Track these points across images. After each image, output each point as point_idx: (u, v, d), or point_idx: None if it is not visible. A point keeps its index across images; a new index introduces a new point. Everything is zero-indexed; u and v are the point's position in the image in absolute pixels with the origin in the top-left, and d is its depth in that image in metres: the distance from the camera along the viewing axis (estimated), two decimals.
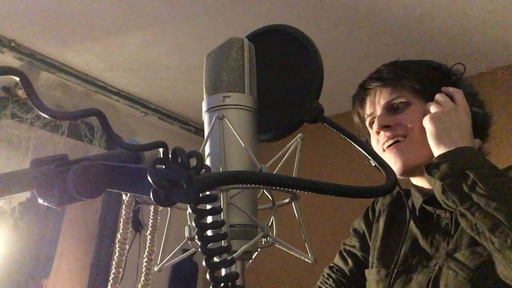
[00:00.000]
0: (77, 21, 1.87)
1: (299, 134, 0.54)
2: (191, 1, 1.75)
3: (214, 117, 0.49)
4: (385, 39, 1.96)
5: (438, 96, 0.83)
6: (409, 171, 0.86)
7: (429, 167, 0.76)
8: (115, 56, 2.15)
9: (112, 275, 0.55)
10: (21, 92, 2.10)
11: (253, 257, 0.50)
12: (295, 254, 0.51)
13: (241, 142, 0.48)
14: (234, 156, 0.49)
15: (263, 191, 0.53)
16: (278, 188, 0.38)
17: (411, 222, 0.90)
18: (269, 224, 0.50)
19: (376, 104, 0.90)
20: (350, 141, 0.53)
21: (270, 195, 0.52)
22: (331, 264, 1.08)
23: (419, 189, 0.91)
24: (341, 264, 1.05)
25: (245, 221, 0.47)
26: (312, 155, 2.63)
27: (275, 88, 0.57)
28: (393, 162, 0.86)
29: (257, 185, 0.46)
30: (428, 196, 0.88)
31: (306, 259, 0.51)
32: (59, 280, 2.45)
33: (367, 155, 0.51)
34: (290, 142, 0.54)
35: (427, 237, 0.86)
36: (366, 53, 2.06)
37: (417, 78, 0.87)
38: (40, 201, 0.44)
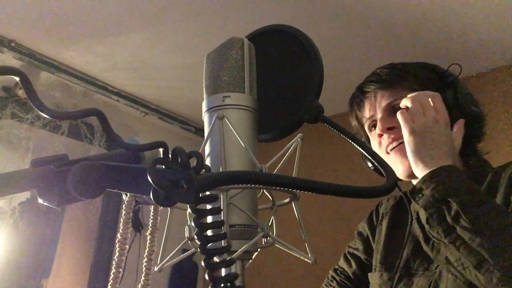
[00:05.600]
0: (77, 21, 1.87)
1: (299, 134, 0.54)
2: (191, 1, 1.75)
3: (214, 117, 0.49)
4: (385, 39, 1.96)
5: (419, 97, 0.77)
6: (414, 173, 0.84)
7: (413, 192, 0.73)
8: (115, 56, 2.15)
9: (112, 275, 0.55)
10: (21, 92, 2.10)
11: (253, 257, 0.49)
12: (295, 254, 0.51)
13: (241, 142, 0.48)
14: (234, 156, 0.49)
15: (263, 191, 0.53)
16: (278, 188, 0.38)
17: (415, 225, 0.89)
18: (269, 224, 0.50)
19: (376, 107, 0.89)
20: (350, 141, 0.53)
21: (270, 195, 0.52)
22: (336, 267, 1.08)
23: None
24: (345, 266, 1.06)
25: (245, 221, 0.47)
26: (312, 155, 2.63)
27: (275, 88, 0.57)
28: (399, 164, 0.84)
29: (257, 185, 0.46)
30: None
31: (306, 259, 0.51)
32: (59, 280, 2.45)
33: (367, 155, 0.51)
34: (290, 142, 0.54)
35: (429, 239, 0.85)
36: (366, 53, 2.06)
37: (416, 79, 0.86)
38: (40, 201, 0.44)
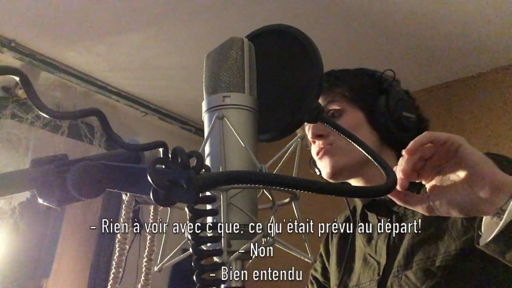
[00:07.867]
0: (77, 21, 1.87)
1: (299, 134, 0.54)
2: (191, 1, 1.75)
3: (214, 117, 0.49)
4: (385, 39, 1.96)
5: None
6: (338, 172, 0.83)
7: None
8: (115, 56, 2.15)
9: (112, 275, 0.55)
10: (21, 92, 2.10)
11: (253, 257, 0.49)
12: (295, 254, 0.51)
13: (241, 142, 0.48)
14: (234, 156, 0.49)
15: (263, 191, 0.53)
16: (278, 188, 0.38)
17: (360, 239, 0.89)
18: (269, 224, 0.50)
19: None
20: (350, 141, 0.53)
21: (270, 195, 0.52)
22: None
23: None
24: None
25: (245, 221, 0.47)
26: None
27: (275, 88, 0.57)
28: (324, 166, 0.85)
29: (257, 185, 0.46)
30: (369, 201, 0.84)
31: (306, 259, 0.51)
32: (59, 280, 2.45)
33: (367, 155, 0.51)
34: (290, 142, 0.54)
35: (371, 246, 0.85)
36: (366, 53, 2.06)
37: (348, 85, 0.89)
38: (40, 201, 0.44)
